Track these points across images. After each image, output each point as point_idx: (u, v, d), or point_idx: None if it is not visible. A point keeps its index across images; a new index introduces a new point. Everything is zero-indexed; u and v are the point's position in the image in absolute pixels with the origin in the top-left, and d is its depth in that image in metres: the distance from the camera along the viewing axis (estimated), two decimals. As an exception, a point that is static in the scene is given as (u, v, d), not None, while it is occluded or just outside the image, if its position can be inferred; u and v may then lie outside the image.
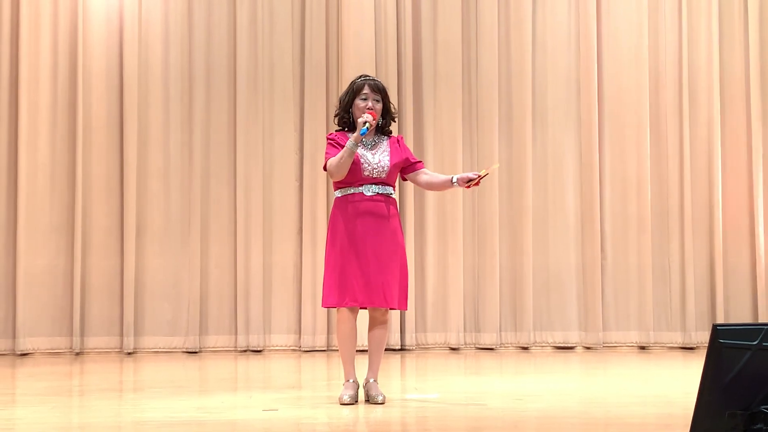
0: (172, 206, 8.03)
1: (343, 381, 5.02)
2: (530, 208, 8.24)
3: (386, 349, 7.82)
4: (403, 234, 5.08)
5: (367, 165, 4.90)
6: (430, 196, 8.15)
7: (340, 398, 4.89)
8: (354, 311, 4.92)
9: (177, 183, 8.04)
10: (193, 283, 7.98)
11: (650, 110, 8.38)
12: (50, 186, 7.92)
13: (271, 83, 8.14)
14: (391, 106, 5.06)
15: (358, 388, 4.94)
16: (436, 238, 8.18)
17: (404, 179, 5.12)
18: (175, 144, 8.06)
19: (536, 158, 8.33)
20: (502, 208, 8.27)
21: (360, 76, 5.05)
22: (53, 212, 7.92)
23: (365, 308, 4.96)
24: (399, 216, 5.05)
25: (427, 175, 5.07)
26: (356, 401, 4.89)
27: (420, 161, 5.10)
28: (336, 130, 5.05)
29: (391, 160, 4.95)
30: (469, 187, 4.88)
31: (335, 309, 5.01)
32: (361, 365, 5.09)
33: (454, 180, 4.90)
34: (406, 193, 8.08)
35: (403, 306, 5.01)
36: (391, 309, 4.97)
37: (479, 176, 4.81)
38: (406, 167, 5.04)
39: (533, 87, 8.34)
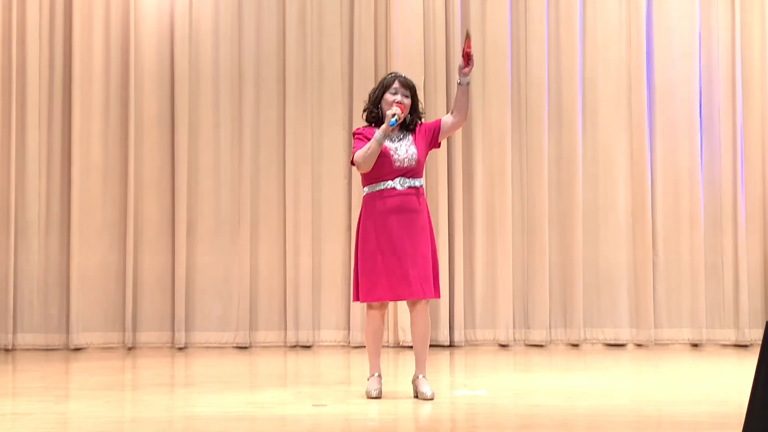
0: (222, 204, 8.10)
1: (368, 375, 5.11)
2: (580, 204, 8.18)
3: (435, 346, 7.84)
4: (431, 223, 5.15)
5: (397, 156, 5.00)
6: (479, 192, 8.12)
7: (367, 392, 5.00)
8: (384, 307, 5.06)
9: (227, 181, 8.10)
10: (243, 280, 8.03)
11: (703, 105, 8.27)
12: (103, 183, 8.02)
13: (319, 82, 8.17)
14: (419, 104, 5.15)
15: (382, 381, 5.06)
16: (484, 234, 8.15)
17: (439, 144, 5.18)
18: (225, 142, 8.12)
19: (586, 154, 8.26)
20: (552, 205, 8.22)
21: (390, 73, 5.20)
22: (106, 209, 8.02)
23: (401, 300, 5.05)
24: (427, 206, 5.13)
25: (450, 113, 5.13)
26: (382, 395, 4.98)
27: (439, 118, 5.20)
28: (363, 127, 5.15)
29: (417, 148, 5.04)
30: (468, 64, 4.95)
31: (360, 304, 5.14)
32: (408, 362, 5.10)
33: (459, 80, 5.00)
34: (454, 189, 8.07)
35: (437, 294, 5.08)
36: (427, 298, 5.02)
37: (465, 51, 4.92)
38: (436, 134, 5.12)
39: (583, 82, 8.28)
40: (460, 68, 4.98)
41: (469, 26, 8.16)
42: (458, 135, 8.07)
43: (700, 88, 8.26)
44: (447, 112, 7.46)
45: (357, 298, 5.07)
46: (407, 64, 7.94)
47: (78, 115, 7.96)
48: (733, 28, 8.29)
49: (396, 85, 5.04)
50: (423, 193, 5.09)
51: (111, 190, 8.03)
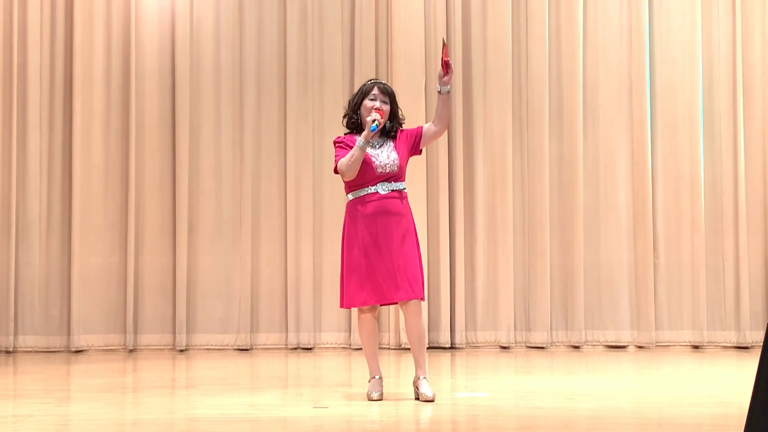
0: (223, 205, 8.10)
1: (368, 378, 5.12)
2: (581, 206, 8.17)
3: (436, 348, 7.85)
4: (415, 225, 5.17)
5: (378, 162, 5.05)
6: (480, 194, 8.12)
7: (368, 395, 5.02)
8: (375, 309, 5.10)
9: (228, 182, 8.10)
10: (245, 282, 8.03)
11: (704, 106, 8.27)
12: (104, 185, 8.03)
13: (321, 83, 8.17)
14: (399, 111, 5.20)
15: (383, 384, 5.08)
16: (485, 236, 8.15)
17: (420, 151, 5.23)
18: (227, 143, 8.13)
19: (587, 156, 8.26)
20: (553, 206, 8.21)
21: (369, 80, 5.28)
22: (107, 211, 8.02)
23: (389, 303, 5.08)
24: (410, 208, 5.16)
25: (432, 122, 5.18)
26: (383, 397, 5.00)
27: (420, 125, 5.25)
28: (345, 134, 5.21)
29: (399, 153, 5.09)
30: (447, 72, 5.02)
31: (355, 308, 5.18)
32: (407, 365, 5.10)
33: (438, 88, 5.07)
34: (455, 190, 8.07)
35: (421, 296, 5.09)
36: (416, 299, 5.02)
37: (443, 60, 5.00)
38: (417, 141, 5.16)
39: (584, 84, 8.28)
40: (440, 77, 5.04)
41: (470, 29, 8.17)
42: (459, 137, 8.07)
43: (701, 89, 8.26)
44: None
45: (342, 304, 5.11)
46: (408, 64, 7.94)
47: (79, 116, 7.96)
48: (733, 30, 8.29)
49: (375, 91, 5.11)
50: (406, 196, 5.14)
51: (112, 191, 8.03)
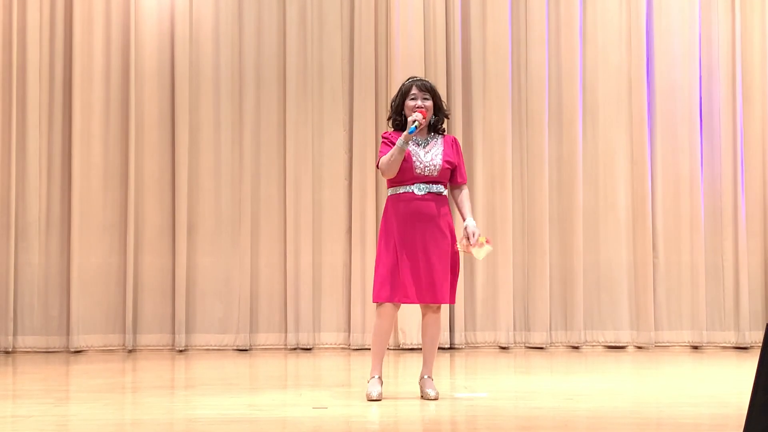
0: (222, 205, 8.10)
1: (368, 377, 5.11)
2: (581, 206, 8.18)
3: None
4: (453, 230, 5.14)
5: (419, 163, 5.02)
6: (480, 194, 8.13)
7: (367, 395, 5.00)
8: (396, 308, 5.06)
9: (228, 182, 8.10)
10: (244, 282, 8.03)
11: (703, 106, 8.28)
12: (103, 185, 8.03)
13: (320, 83, 8.17)
14: (443, 103, 5.17)
15: (382, 384, 5.06)
16: (485, 235, 8.12)
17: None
18: (226, 143, 8.13)
19: (587, 156, 8.26)
20: (552, 206, 8.22)
21: (408, 79, 5.22)
22: (106, 211, 8.02)
23: (415, 304, 5.07)
24: (450, 213, 5.11)
25: (459, 195, 5.19)
26: (382, 397, 4.98)
27: (464, 181, 5.20)
28: (391, 130, 5.17)
29: (443, 158, 5.04)
30: (457, 248, 5.05)
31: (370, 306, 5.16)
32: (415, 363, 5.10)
33: (465, 225, 5.06)
34: (455, 191, 8.07)
35: (450, 300, 5.09)
36: (435, 303, 5.06)
37: (472, 243, 5.00)
38: (452, 167, 5.12)
39: (583, 84, 8.28)
40: (464, 235, 5.03)
41: (470, 30, 8.19)
42: (458, 136, 8.06)
43: (700, 89, 8.27)
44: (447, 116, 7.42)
45: (373, 297, 5.10)
46: (407, 65, 7.94)
47: (78, 116, 7.96)
48: (733, 29, 8.29)
49: (414, 90, 5.07)
50: (446, 200, 5.10)
51: (111, 191, 8.03)
